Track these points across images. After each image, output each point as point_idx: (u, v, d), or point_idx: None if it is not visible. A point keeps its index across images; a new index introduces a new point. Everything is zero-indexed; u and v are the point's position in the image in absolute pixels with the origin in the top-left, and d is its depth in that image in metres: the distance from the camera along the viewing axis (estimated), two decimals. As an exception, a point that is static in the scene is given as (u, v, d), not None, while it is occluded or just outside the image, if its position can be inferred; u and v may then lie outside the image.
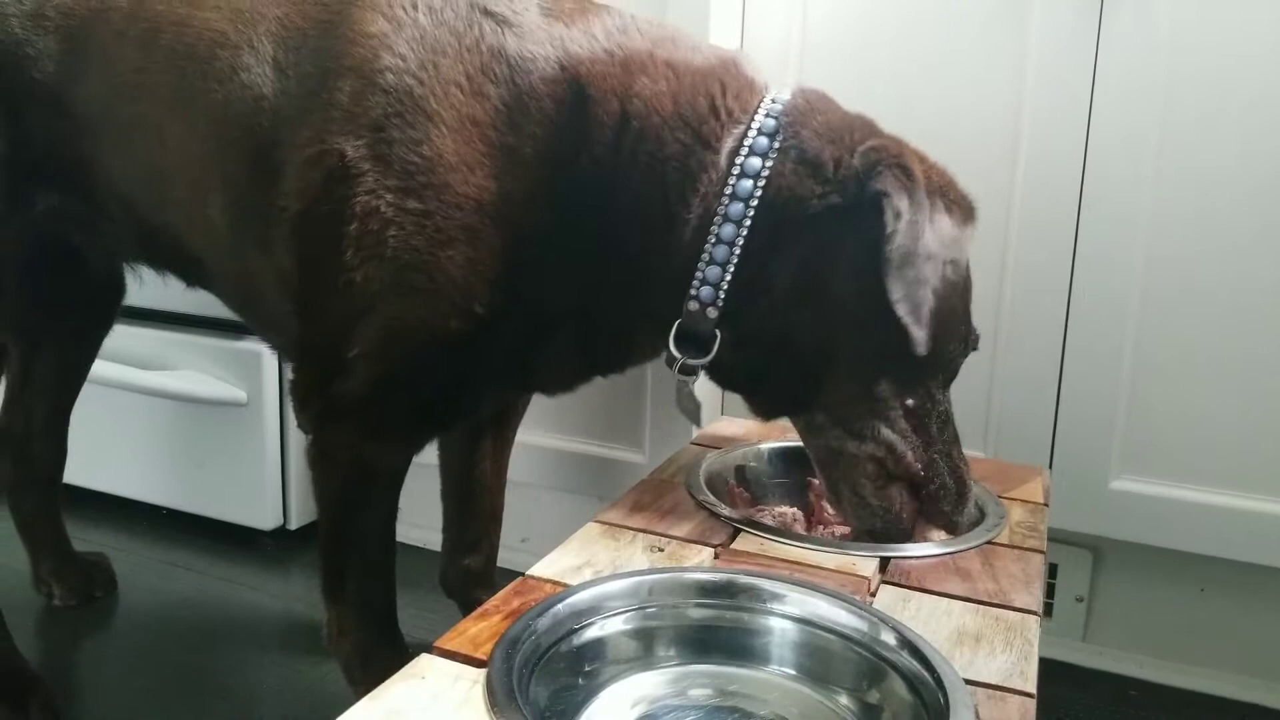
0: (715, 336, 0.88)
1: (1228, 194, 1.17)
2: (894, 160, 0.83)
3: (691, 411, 0.94)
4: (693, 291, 0.86)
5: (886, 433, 0.88)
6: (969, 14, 1.25)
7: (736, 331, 0.88)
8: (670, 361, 0.90)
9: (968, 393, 1.28)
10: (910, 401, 0.88)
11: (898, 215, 0.81)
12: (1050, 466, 1.26)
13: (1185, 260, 1.19)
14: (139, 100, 0.97)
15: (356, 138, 0.85)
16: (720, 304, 0.86)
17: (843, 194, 0.84)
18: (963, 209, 0.89)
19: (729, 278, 0.85)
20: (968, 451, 1.24)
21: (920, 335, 0.82)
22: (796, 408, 0.93)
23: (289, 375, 0.98)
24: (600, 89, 0.86)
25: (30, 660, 1.18)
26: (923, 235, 0.82)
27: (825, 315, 0.86)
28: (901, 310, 0.81)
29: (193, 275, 1.13)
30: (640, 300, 0.90)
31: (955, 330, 0.90)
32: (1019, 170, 1.24)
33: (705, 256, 0.85)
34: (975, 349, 0.94)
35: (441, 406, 0.95)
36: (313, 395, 0.93)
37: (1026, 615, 0.79)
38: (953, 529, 0.92)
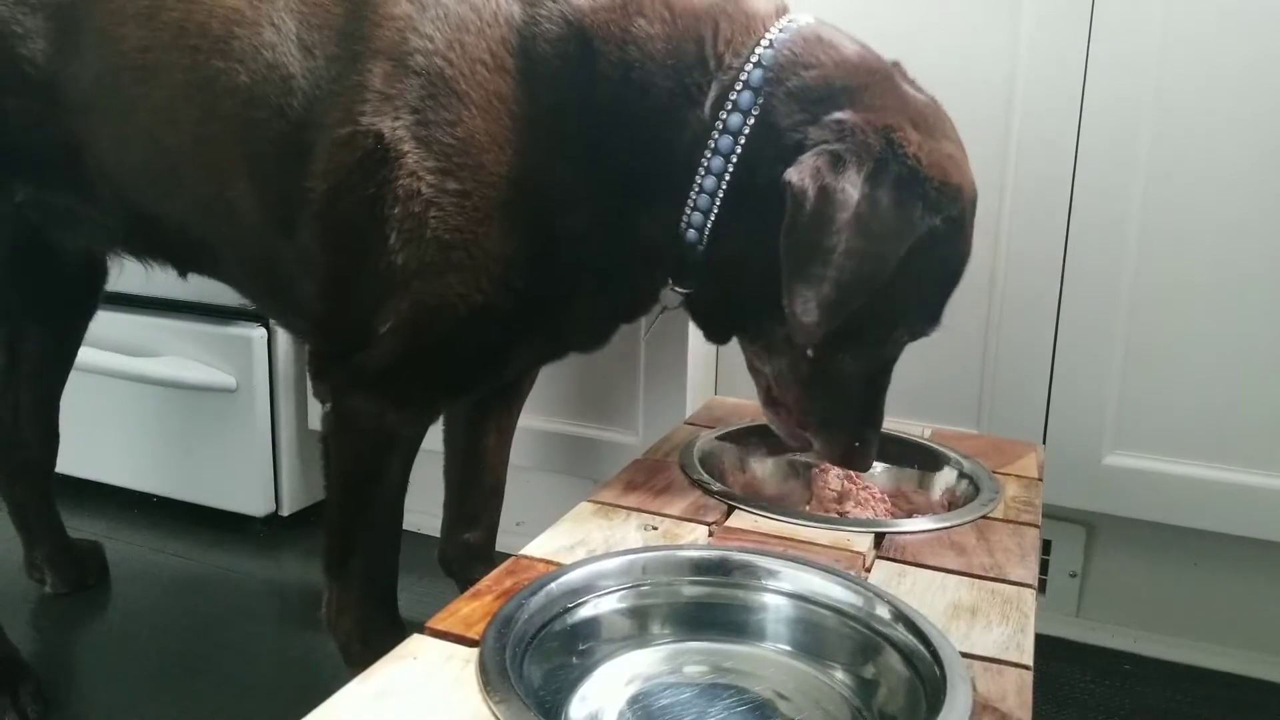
0: (696, 269, 0.91)
1: (1220, 171, 1.16)
2: (830, 146, 0.81)
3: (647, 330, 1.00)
4: (682, 228, 0.89)
5: (778, 364, 0.94)
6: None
7: (710, 268, 0.91)
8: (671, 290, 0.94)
9: (962, 369, 1.29)
10: (810, 354, 0.90)
11: (799, 207, 0.80)
12: (1044, 442, 1.26)
13: (1177, 237, 1.19)
14: (144, 81, 0.95)
15: (393, 119, 0.85)
16: (703, 246, 0.89)
17: (785, 168, 0.83)
18: (944, 197, 0.84)
19: (710, 224, 0.88)
20: (962, 428, 1.26)
21: (806, 324, 0.81)
22: (731, 335, 0.99)
23: (309, 346, 0.99)
24: (603, 37, 0.86)
25: (22, 648, 1.17)
26: (830, 230, 0.79)
27: (760, 267, 0.86)
28: (787, 299, 0.81)
29: (192, 263, 1.11)
30: (652, 246, 0.91)
31: (882, 319, 0.88)
32: (1011, 147, 1.23)
33: (690, 203, 0.88)
34: (926, 334, 0.92)
35: (470, 374, 0.97)
36: (335, 365, 0.94)
37: (1022, 588, 0.79)
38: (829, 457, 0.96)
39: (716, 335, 1.00)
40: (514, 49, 0.86)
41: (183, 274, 1.15)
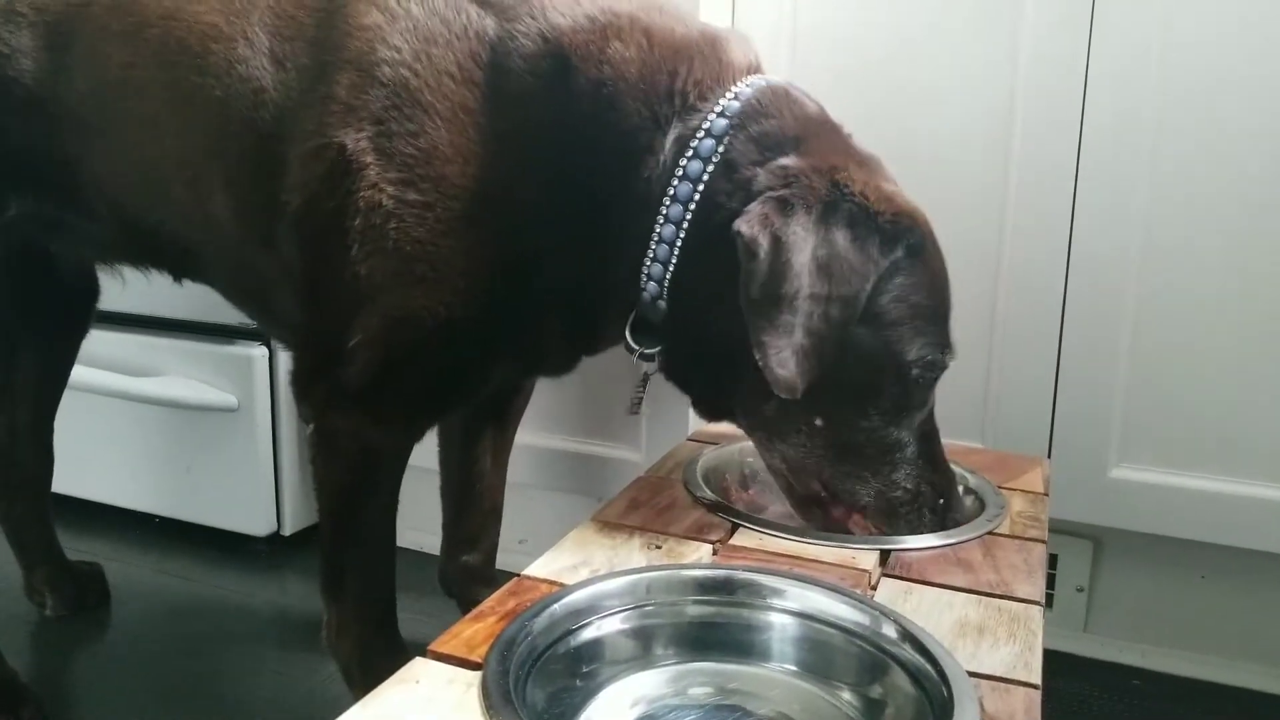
0: (662, 328, 0.89)
1: (1223, 182, 1.16)
2: (776, 193, 0.80)
3: (634, 405, 0.96)
4: (642, 283, 0.87)
5: (785, 449, 0.89)
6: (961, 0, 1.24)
7: (676, 327, 0.88)
8: (629, 348, 0.91)
9: (966, 384, 1.28)
10: (818, 422, 0.86)
11: (753, 257, 0.79)
12: (1049, 456, 1.25)
13: (1180, 248, 1.19)
14: (129, 97, 0.96)
15: (357, 131, 0.85)
16: (665, 298, 0.87)
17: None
18: (899, 227, 0.82)
19: (670, 275, 0.86)
20: (966, 443, 1.25)
21: (783, 377, 0.79)
22: (724, 411, 0.93)
23: (290, 365, 0.98)
24: (581, 56, 0.85)
25: (23, 670, 1.17)
26: (789, 275, 0.78)
27: (730, 327, 0.83)
28: (759, 353, 0.79)
29: (185, 270, 1.12)
30: (615, 286, 0.90)
31: (882, 360, 0.84)
32: (1013, 160, 1.23)
33: (650, 254, 0.86)
34: (944, 365, 0.87)
35: (444, 390, 0.96)
36: (314, 383, 0.93)
37: (1029, 605, 0.78)
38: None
39: (705, 408, 0.95)
40: (484, 63, 0.86)
41: (178, 279, 1.15)
